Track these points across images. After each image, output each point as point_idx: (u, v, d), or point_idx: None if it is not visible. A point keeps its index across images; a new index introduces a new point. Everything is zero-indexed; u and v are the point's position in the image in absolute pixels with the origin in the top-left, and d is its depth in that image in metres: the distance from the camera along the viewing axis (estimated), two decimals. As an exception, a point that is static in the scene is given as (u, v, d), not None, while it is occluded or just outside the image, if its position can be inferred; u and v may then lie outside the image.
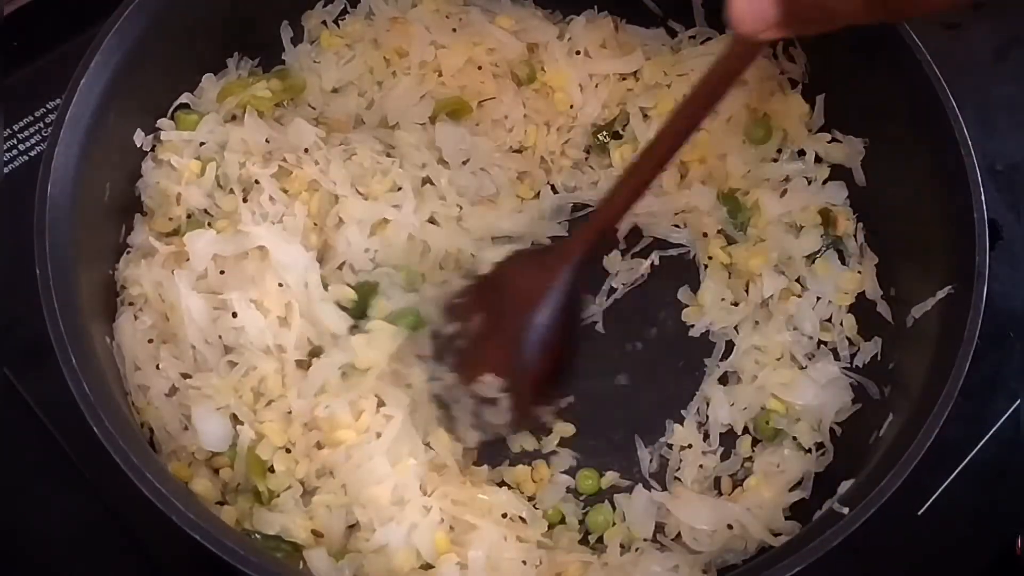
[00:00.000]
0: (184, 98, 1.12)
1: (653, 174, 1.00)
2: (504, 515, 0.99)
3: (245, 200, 1.07)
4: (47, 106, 1.21)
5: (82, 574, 1.03)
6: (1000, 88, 1.34)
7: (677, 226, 1.19)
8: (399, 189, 1.11)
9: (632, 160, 1.02)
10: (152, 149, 1.09)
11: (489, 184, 1.18)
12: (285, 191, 1.09)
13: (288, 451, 0.98)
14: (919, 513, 1.10)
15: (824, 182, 1.17)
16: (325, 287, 1.06)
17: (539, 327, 0.99)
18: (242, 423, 0.97)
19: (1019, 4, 1.40)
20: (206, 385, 0.98)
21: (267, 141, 1.10)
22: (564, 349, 1.02)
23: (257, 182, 1.07)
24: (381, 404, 1.00)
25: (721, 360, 1.13)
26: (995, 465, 1.13)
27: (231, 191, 1.08)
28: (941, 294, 0.99)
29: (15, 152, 1.19)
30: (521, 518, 1.01)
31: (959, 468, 1.12)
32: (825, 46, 1.13)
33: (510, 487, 1.06)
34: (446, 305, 1.04)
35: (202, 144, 1.10)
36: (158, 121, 1.09)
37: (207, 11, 1.10)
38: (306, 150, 1.10)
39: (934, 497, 1.10)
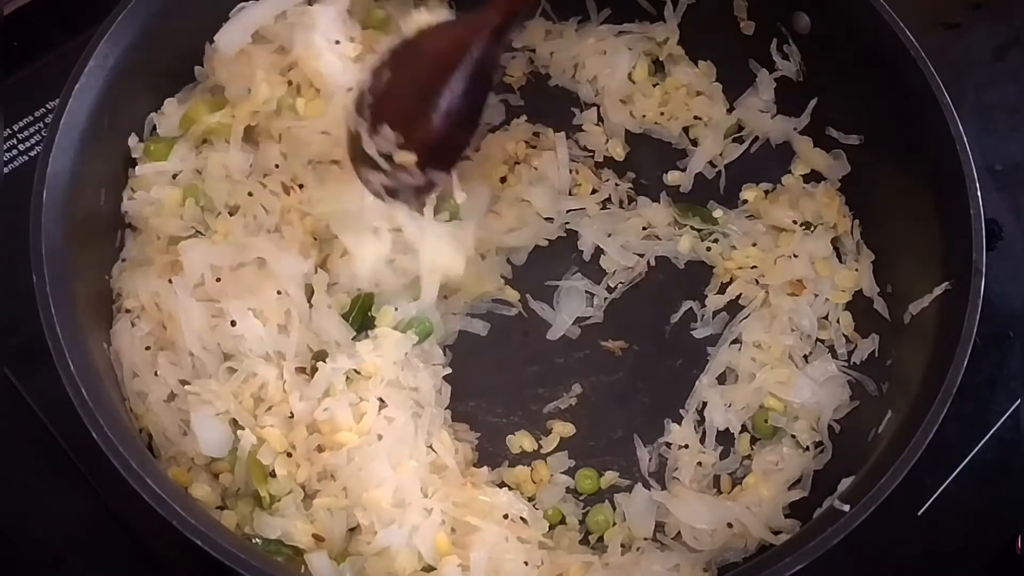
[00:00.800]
0: (156, 118, 1.10)
1: None
2: (505, 516, 0.99)
3: (231, 215, 1.07)
4: (47, 106, 1.21)
5: (82, 574, 1.03)
6: (1000, 88, 1.34)
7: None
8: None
9: None
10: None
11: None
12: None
13: (289, 455, 0.98)
14: (919, 513, 1.10)
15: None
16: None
17: (444, 90, 0.95)
18: (242, 428, 0.97)
19: (1019, 4, 1.40)
20: (205, 391, 0.97)
21: (250, 166, 1.10)
22: (465, 117, 0.98)
23: (251, 194, 1.07)
24: (383, 406, 1.00)
25: (718, 359, 1.13)
26: (995, 465, 1.13)
27: (219, 214, 1.07)
28: (938, 290, 0.99)
29: (15, 152, 1.20)
30: (522, 519, 1.01)
31: (959, 468, 1.12)
32: (820, 44, 1.14)
33: (510, 488, 1.06)
34: (372, 66, 1.00)
35: (175, 176, 1.08)
36: (132, 146, 1.08)
37: (201, 16, 1.10)
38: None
39: (934, 497, 1.10)
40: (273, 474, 0.96)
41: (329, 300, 1.05)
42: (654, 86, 1.26)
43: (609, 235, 1.19)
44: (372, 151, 0.95)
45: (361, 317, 1.06)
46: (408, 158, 0.93)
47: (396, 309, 1.08)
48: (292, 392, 0.99)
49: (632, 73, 1.25)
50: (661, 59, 1.26)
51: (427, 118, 0.94)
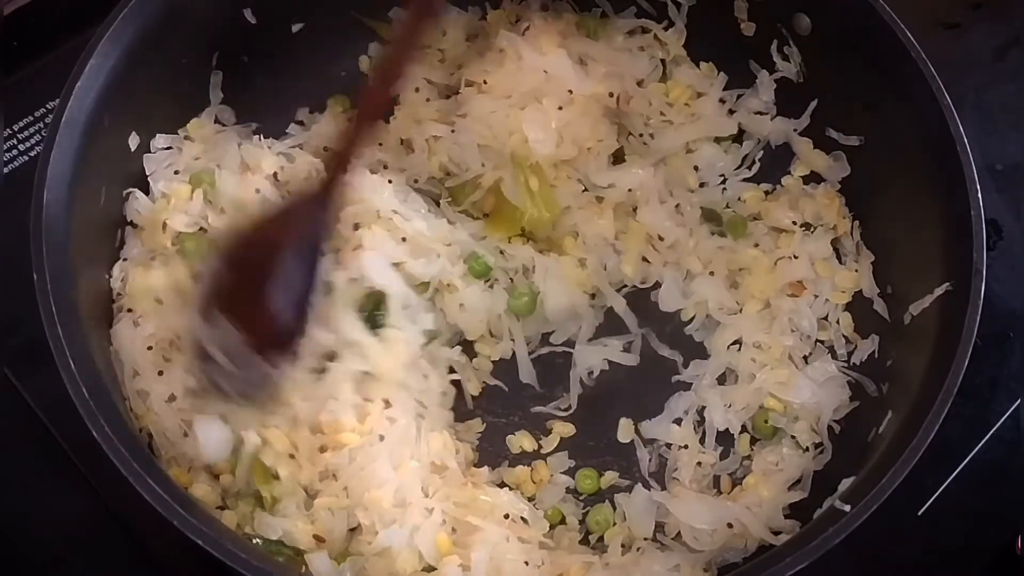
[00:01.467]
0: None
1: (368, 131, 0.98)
2: (506, 516, 0.99)
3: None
4: (47, 106, 1.21)
5: (82, 574, 1.03)
6: (1000, 88, 1.34)
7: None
8: None
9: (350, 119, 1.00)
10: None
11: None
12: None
13: (292, 456, 0.97)
14: (919, 513, 1.10)
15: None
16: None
17: (272, 275, 0.94)
18: (248, 429, 0.97)
19: (1019, 4, 1.40)
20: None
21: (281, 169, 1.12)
22: (295, 300, 0.95)
23: (258, 190, 1.07)
24: (387, 407, 1.00)
25: (718, 360, 1.13)
26: (995, 465, 1.13)
27: (222, 210, 1.08)
28: (939, 291, 0.99)
29: (15, 152, 1.20)
30: (523, 519, 1.00)
31: (959, 468, 1.12)
32: (821, 45, 1.14)
33: (510, 488, 1.06)
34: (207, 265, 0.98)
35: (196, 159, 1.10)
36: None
37: (201, 15, 1.10)
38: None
39: (934, 497, 1.10)
40: (276, 476, 0.96)
41: (347, 299, 1.04)
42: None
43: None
44: (211, 345, 0.92)
45: (368, 313, 1.06)
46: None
47: (405, 308, 1.07)
48: (295, 392, 0.99)
49: (633, 73, 1.25)
50: (664, 60, 1.26)
51: (261, 306, 0.93)
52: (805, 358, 1.12)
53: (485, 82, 1.16)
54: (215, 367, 0.92)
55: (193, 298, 0.95)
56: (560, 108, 1.15)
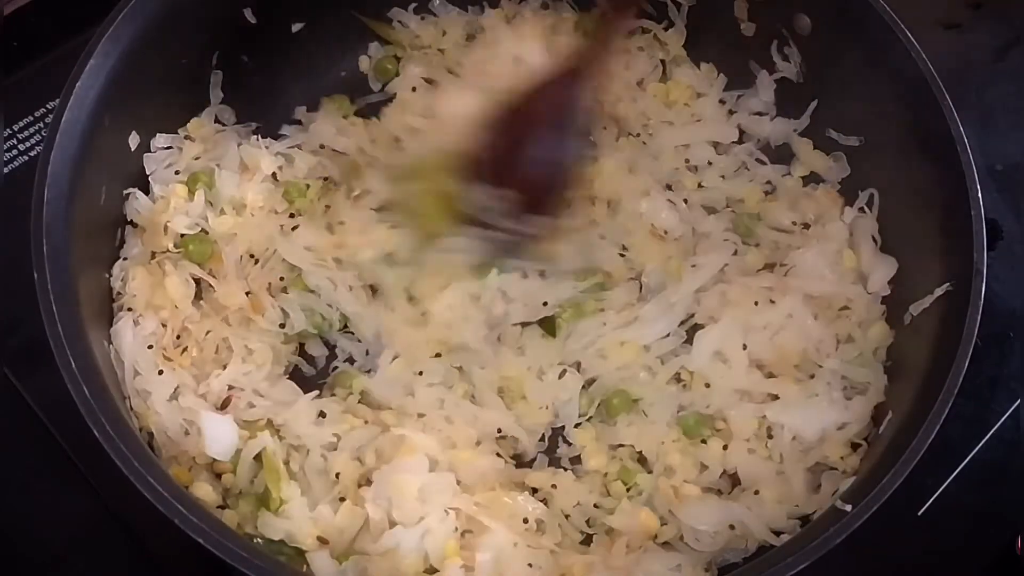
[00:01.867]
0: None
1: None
2: (525, 520, 0.98)
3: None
4: (47, 106, 1.21)
5: (82, 574, 1.03)
6: (1000, 88, 1.34)
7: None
8: None
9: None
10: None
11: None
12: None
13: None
14: (919, 513, 1.10)
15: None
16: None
17: (529, 140, 1.01)
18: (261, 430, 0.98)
19: (1019, 4, 1.40)
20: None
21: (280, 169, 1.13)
22: (554, 161, 1.03)
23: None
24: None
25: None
26: (995, 465, 1.13)
27: (222, 211, 1.08)
28: (939, 291, 0.99)
29: (15, 152, 1.20)
30: (538, 525, 0.99)
31: (959, 468, 1.12)
32: (821, 46, 1.14)
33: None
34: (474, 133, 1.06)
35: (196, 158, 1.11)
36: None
37: (201, 14, 1.10)
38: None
39: (934, 497, 1.10)
40: (292, 477, 0.97)
41: None
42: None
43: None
44: (472, 208, 1.01)
45: None
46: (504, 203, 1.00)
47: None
48: None
49: (635, 73, 1.25)
50: (665, 60, 1.26)
51: (517, 168, 1.01)
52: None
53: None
54: (486, 228, 1.02)
55: (460, 171, 1.03)
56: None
